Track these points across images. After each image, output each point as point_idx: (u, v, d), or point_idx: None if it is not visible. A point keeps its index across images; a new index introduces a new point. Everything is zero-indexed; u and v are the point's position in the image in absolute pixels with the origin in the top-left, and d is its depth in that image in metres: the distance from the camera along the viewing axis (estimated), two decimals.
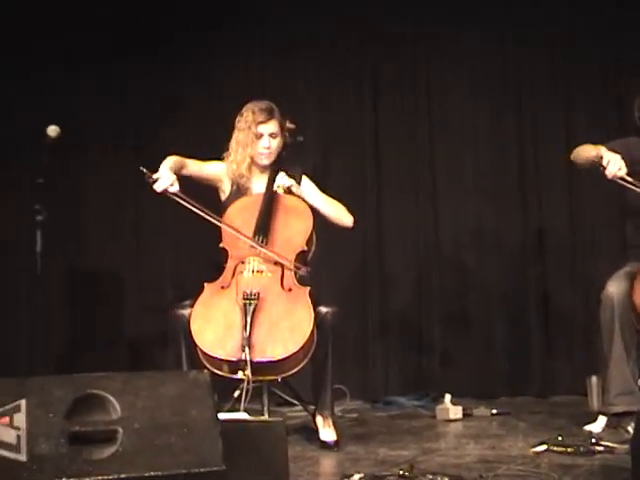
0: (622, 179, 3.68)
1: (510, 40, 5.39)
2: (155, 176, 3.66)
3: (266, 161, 3.99)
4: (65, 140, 3.87)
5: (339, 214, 4.03)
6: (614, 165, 3.65)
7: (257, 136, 3.94)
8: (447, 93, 5.44)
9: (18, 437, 2.29)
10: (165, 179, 3.65)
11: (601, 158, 3.69)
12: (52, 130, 3.83)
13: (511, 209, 5.38)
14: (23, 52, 5.23)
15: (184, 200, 3.66)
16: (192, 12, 5.38)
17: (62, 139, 3.84)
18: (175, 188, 3.66)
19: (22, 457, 2.26)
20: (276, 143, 3.97)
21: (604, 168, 3.67)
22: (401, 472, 2.99)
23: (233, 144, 3.99)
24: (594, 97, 5.33)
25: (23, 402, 2.32)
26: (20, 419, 2.31)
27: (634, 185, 3.70)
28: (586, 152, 3.84)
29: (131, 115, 5.40)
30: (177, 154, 3.85)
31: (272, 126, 3.95)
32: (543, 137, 5.36)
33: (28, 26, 5.26)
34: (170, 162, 3.76)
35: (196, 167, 3.94)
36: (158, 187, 3.65)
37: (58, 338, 5.28)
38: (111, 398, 2.37)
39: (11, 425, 2.29)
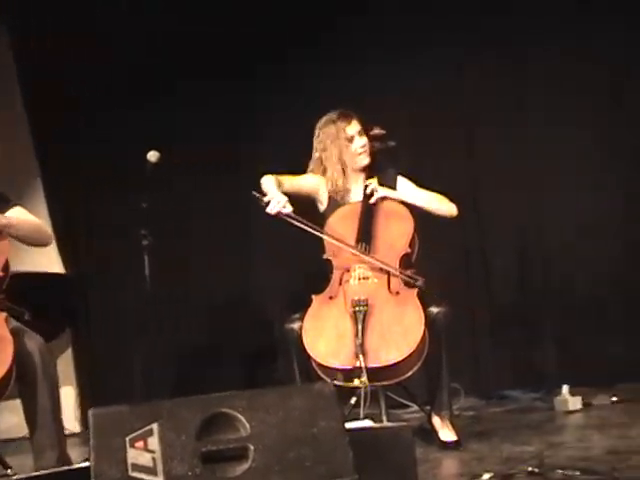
0: None
1: None
2: (266, 199, 3.73)
3: (366, 159, 4.02)
4: (165, 164, 3.94)
5: (442, 206, 4.02)
6: None
7: (349, 139, 3.97)
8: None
9: (154, 460, 2.34)
10: (276, 202, 3.71)
11: None
12: (152, 155, 3.90)
13: (594, 191, 5.24)
14: (122, 82, 5.40)
15: (297, 220, 3.72)
16: (297, 29, 5.41)
17: (162, 164, 3.91)
18: (288, 209, 3.72)
19: (159, 479, 2.31)
20: (366, 139, 4.01)
21: None
22: (530, 469, 2.95)
23: (324, 162, 4.02)
24: None
25: (155, 426, 2.37)
26: (154, 442, 2.36)
27: None
28: None
29: (228, 135, 5.48)
30: (271, 172, 3.90)
31: (356, 125, 4.00)
32: None
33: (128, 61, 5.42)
34: (272, 182, 3.82)
35: (293, 183, 3.98)
36: (271, 210, 3.72)
37: (171, 358, 5.38)
38: (239, 416, 2.40)
39: (146, 449, 2.35)
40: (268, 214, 3.72)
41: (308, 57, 5.37)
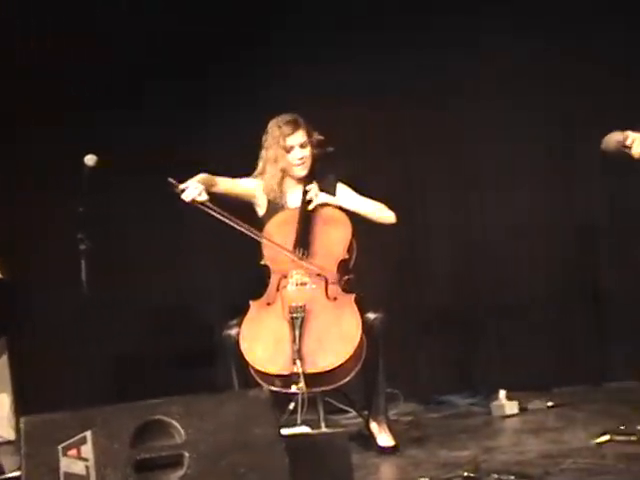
0: None
1: None
2: (182, 186, 3.67)
3: (303, 171, 4.00)
4: (103, 168, 3.89)
5: (380, 212, 4.04)
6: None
7: (287, 149, 3.95)
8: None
9: (87, 468, 2.31)
10: (193, 188, 3.66)
11: (626, 138, 3.55)
12: (89, 159, 3.84)
13: (551, 195, 5.32)
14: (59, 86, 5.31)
15: (214, 210, 3.66)
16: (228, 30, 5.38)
17: (100, 167, 3.86)
18: (203, 197, 3.66)
19: None
20: (308, 152, 3.99)
21: (630, 149, 3.54)
22: (466, 474, 2.98)
23: (263, 162, 4.01)
24: None
25: (88, 433, 2.34)
26: (87, 450, 2.33)
27: None
28: (614, 137, 3.75)
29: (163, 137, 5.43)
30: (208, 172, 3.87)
31: (300, 136, 3.96)
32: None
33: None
34: (199, 177, 3.78)
35: (228, 184, 3.95)
36: (186, 197, 3.66)
37: (109, 363, 5.32)
38: (174, 423, 2.38)
39: (79, 457, 2.32)
40: (183, 201, 3.66)
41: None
